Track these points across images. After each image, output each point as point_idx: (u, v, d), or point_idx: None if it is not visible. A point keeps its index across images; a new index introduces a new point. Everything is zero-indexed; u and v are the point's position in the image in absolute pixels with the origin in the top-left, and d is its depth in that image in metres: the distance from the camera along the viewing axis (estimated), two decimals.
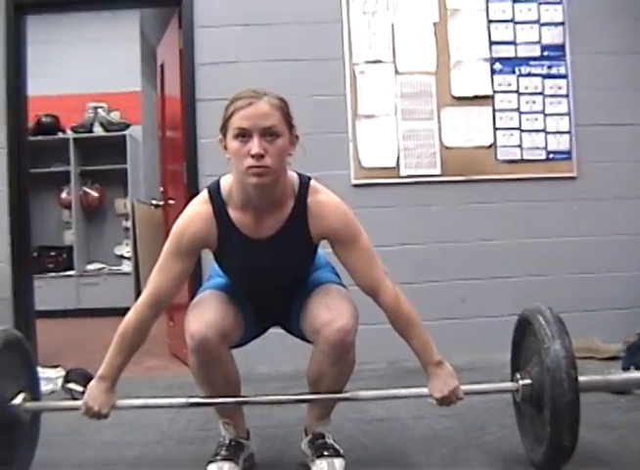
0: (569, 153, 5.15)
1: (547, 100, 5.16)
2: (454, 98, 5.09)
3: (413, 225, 5.06)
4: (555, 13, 5.18)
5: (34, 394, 2.72)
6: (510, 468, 2.63)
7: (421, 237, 5.05)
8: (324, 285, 2.67)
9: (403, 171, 5.05)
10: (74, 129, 8.92)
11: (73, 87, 8.79)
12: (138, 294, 7.85)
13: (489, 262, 5.06)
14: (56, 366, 4.88)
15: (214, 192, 2.56)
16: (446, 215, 5.07)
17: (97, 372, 2.55)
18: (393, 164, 5.05)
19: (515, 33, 5.14)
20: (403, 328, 2.58)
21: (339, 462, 2.61)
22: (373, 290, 2.57)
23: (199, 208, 2.56)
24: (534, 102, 5.14)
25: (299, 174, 2.59)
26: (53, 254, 8.82)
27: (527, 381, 2.58)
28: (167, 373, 5.08)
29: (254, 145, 2.36)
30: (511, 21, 5.15)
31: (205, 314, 2.51)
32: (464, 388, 2.57)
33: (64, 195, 8.99)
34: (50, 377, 4.72)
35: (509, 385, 2.68)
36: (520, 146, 5.12)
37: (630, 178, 5.19)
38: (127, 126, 8.92)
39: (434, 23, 5.11)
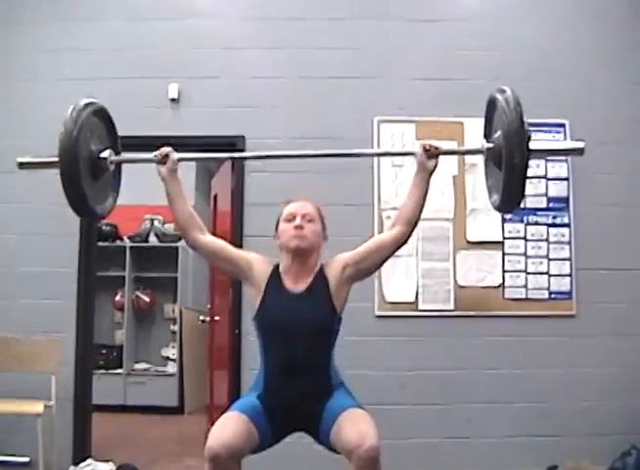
0: (569, 293, 5.68)
1: (551, 246, 5.72)
2: (468, 242, 5.69)
3: (428, 354, 5.59)
4: (560, 169, 5.79)
5: (117, 151, 3.45)
6: None
7: (435, 364, 5.57)
8: (349, 409, 3.21)
9: (421, 306, 5.63)
10: (131, 238, 9.55)
11: (132, 199, 9.48)
12: (181, 395, 8.50)
13: (494, 389, 5.56)
14: (107, 460, 5.45)
15: (275, 262, 3.44)
16: (458, 346, 5.61)
17: None
18: (413, 299, 5.62)
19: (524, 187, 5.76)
20: (404, 212, 3.42)
21: None
22: (389, 238, 3.39)
23: (269, 259, 3.46)
24: (540, 247, 5.71)
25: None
26: (104, 351, 9.20)
27: (491, 144, 3.21)
28: None
29: (297, 220, 3.35)
30: None
31: (223, 434, 3.03)
32: (441, 149, 3.43)
33: (118, 297, 9.49)
34: None
35: (478, 147, 3.36)
36: (525, 286, 5.67)
37: (623, 318, 5.67)
38: (180, 238, 9.49)
39: (454, 176, 5.77)
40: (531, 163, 5.53)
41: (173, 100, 5.86)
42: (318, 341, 3.33)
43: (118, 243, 9.56)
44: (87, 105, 3.25)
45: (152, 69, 5.93)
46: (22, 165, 3.43)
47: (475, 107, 5.73)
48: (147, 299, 9.63)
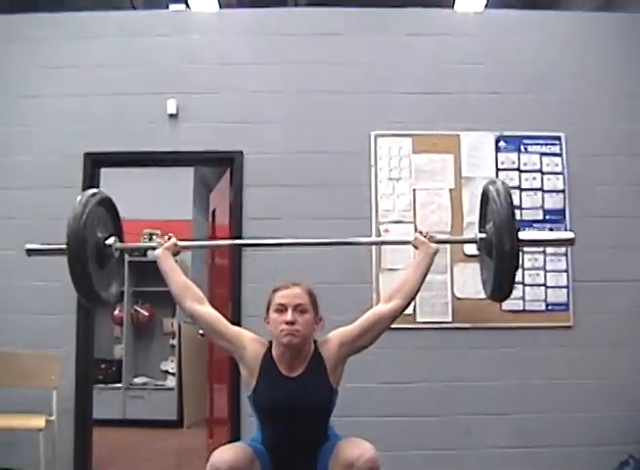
0: (566, 305, 5.71)
1: (548, 258, 5.75)
2: (466, 255, 5.68)
3: (427, 366, 5.63)
4: (557, 182, 5.84)
5: (121, 238, 3.61)
6: None
7: (432, 376, 5.61)
8: (344, 438, 3.32)
9: (419, 318, 5.66)
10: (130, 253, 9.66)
11: (131, 214, 9.50)
12: (180, 408, 8.48)
13: (493, 400, 5.60)
14: None
15: (268, 343, 3.41)
16: (456, 358, 5.63)
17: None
18: (410, 312, 5.55)
19: (521, 199, 5.78)
20: (405, 286, 3.52)
21: None
22: (388, 312, 3.46)
23: (262, 340, 3.45)
24: (536, 259, 5.74)
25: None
26: (103, 366, 9.17)
27: (484, 235, 3.40)
28: None
29: (289, 314, 3.27)
30: (517, 188, 5.79)
31: (225, 454, 3.16)
32: (436, 237, 3.61)
33: (116, 312, 9.45)
34: None
35: (472, 237, 3.60)
36: (522, 298, 5.70)
37: (619, 329, 5.71)
38: (178, 252, 9.60)
39: (450, 190, 5.81)
40: (528, 175, 5.68)
41: (172, 115, 5.89)
42: (316, 420, 3.40)
43: None
44: (94, 194, 3.41)
45: (150, 85, 5.98)
46: (30, 253, 3.57)
47: (471, 120, 5.87)
48: (146, 313, 9.62)
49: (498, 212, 3.16)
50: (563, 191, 5.87)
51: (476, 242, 3.50)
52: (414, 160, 5.84)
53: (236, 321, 5.60)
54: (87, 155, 5.89)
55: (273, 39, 6.10)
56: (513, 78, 6.01)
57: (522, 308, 5.73)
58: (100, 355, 9.09)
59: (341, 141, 5.86)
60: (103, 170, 6.11)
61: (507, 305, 5.63)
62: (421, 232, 3.63)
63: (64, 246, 3.22)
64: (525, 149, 5.90)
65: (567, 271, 5.78)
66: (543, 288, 5.76)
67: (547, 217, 5.83)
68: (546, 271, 5.78)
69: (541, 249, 5.73)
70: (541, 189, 5.87)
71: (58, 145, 5.91)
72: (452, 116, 5.93)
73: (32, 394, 5.52)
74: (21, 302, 5.78)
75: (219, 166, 6.48)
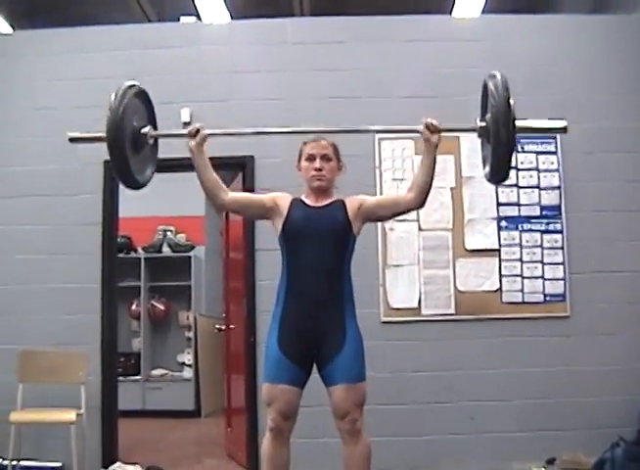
0: (563, 296, 6.00)
1: (545, 252, 6.05)
2: (467, 250, 6.02)
3: (431, 356, 5.94)
4: (552, 178, 6.13)
5: (154, 127, 3.88)
6: None
7: (438, 366, 5.92)
8: (346, 384, 3.69)
9: (424, 311, 5.98)
10: (145, 249, 9.87)
11: (146, 211, 9.75)
12: (197, 399, 8.75)
13: (495, 388, 5.91)
14: (134, 463, 5.80)
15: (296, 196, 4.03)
16: (459, 348, 5.95)
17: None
18: (416, 305, 5.97)
19: (518, 196, 6.09)
20: (416, 181, 3.93)
21: None
22: (404, 202, 3.93)
23: (289, 194, 4.05)
24: (534, 253, 6.04)
25: None
26: (122, 359, 9.27)
27: (484, 124, 3.64)
28: None
29: (317, 163, 3.94)
30: (515, 185, 6.09)
31: (280, 407, 3.68)
32: (440, 127, 3.83)
33: (134, 307, 9.80)
34: None
35: (473, 125, 3.77)
36: (521, 290, 6.01)
37: (614, 317, 6.00)
38: (192, 248, 9.85)
39: (452, 188, 6.10)
40: (525, 173, 5.92)
41: (186, 124, 6.13)
42: (335, 245, 3.85)
43: (133, 254, 9.85)
44: (130, 87, 3.71)
45: (164, 95, 6.13)
46: (72, 140, 3.89)
47: (470, 121, 6.11)
48: (162, 307, 9.95)
49: (497, 104, 3.43)
50: (558, 188, 6.14)
51: (476, 130, 3.77)
52: (416, 161, 6.07)
53: (250, 316, 5.94)
54: (106, 162, 6.16)
55: (280, 48, 6.41)
56: (509, 80, 6.23)
57: (521, 301, 6.02)
58: (119, 349, 9.33)
59: (346, 144, 6.05)
60: None
61: (507, 297, 5.98)
62: (426, 124, 3.86)
63: (103, 134, 3.52)
64: (522, 148, 6.16)
65: (563, 264, 6.06)
66: (541, 280, 6.04)
67: (544, 213, 6.11)
68: (544, 264, 6.06)
69: (539, 243, 6.05)
70: (538, 186, 6.15)
71: (76, 154, 6.16)
72: (452, 118, 6.11)
73: (61, 389, 5.82)
74: (49, 303, 6.09)
75: (232, 170, 6.73)
